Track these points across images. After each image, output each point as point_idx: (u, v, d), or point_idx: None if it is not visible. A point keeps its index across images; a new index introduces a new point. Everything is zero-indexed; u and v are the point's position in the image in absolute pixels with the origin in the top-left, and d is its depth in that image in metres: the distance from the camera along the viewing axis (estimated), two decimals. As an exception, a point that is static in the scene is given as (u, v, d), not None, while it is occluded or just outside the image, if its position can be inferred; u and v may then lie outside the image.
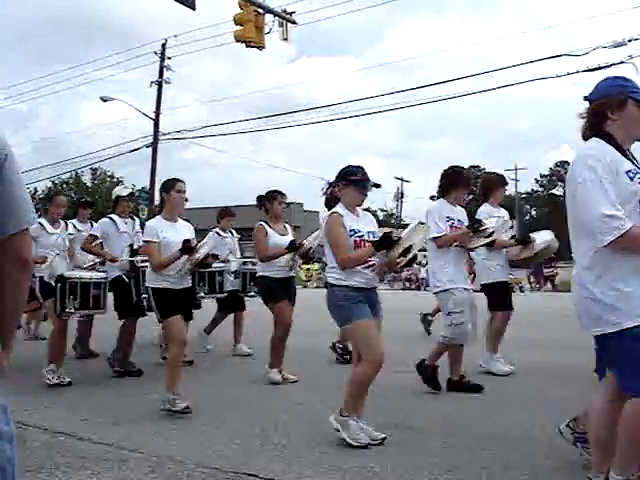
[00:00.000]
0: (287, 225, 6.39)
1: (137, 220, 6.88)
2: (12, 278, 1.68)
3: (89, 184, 47.11)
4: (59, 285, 5.66)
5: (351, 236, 4.10)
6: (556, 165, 66.62)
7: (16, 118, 70.47)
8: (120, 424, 4.46)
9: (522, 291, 26.16)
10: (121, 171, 58.01)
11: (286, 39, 12.87)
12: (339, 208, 4.20)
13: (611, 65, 14.87)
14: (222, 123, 26.16)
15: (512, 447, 3.88)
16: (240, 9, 11.75)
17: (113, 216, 6.63)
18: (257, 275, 6.30)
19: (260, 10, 12.02)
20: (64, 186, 44.06)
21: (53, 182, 42.07)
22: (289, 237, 6.18)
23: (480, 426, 4.34)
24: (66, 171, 37.42)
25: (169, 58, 25.15)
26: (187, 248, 4.92)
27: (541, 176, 63.71)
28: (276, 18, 12.56)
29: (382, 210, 60.46)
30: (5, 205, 1.64)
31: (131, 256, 6.45)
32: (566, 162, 67.81)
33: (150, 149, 24.54)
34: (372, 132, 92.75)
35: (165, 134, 24.94)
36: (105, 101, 24.31)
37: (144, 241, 5.16)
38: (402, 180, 54.90)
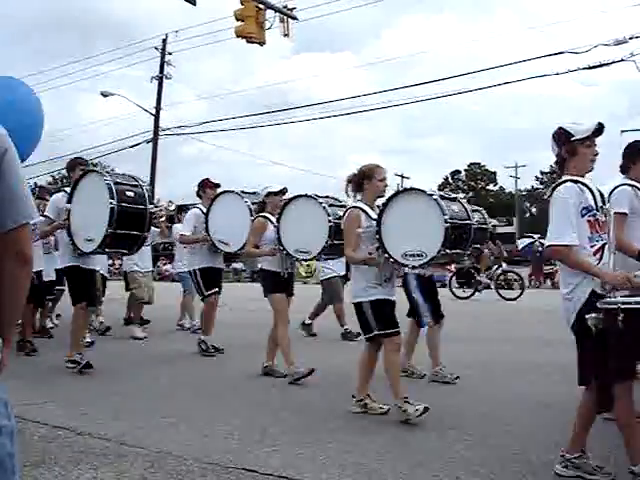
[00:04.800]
0: None
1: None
2: (12, 274, 1.67)
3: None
4: None
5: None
6: (556, 163, 66.40)
7: (16, 113, 70.18)
8: (120, 419, 4.46)
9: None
10: (121, 166, 57.80)
11: (287, 35, 12.86)
12: None
13: (612, 63, 14.87)
14: (222, 119, 26.07)
15: (511, 445, 3.88)
16: (241, 5, 11.74)
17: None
18: None
19: (261, 6, 12.01)
20: (64, 181, 44.04)
21: (53, 177, 42.07)
22: None
23: (479, 424, 4.34)
24: (66, 166, 37.32)
25: (170, 54, 25.16)
26: None
27: (541, 173, 63.54)
28: (277, 14, 12.54)
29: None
30: (4, 200, 1.63)
31: None
32: (566, 160, 67.55)
33: (150, 144, 24.54)
34: (371, 128, 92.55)
35: (165, 129, 24.95)
36: (105, 96, 24.30)
37: None
38: (402, 177, 54.84)
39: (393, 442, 3.95)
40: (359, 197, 4.61)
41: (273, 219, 5.80)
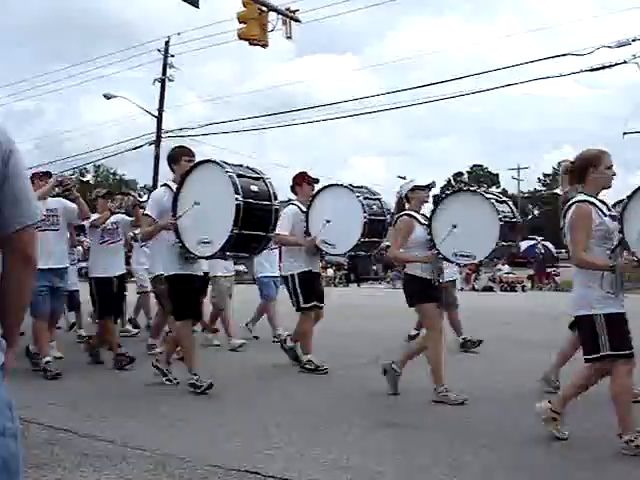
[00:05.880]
0: None
1: None
2: (16, 275, 1.68)
3: (92, 181, 47.26)
4: None
5: None
6: (558, 164, 66.46)
7: (20, 115, 70.64)
8: (123, 421, 4.47)
9: (524, 290, 26.18)
10: (124, 168, 57.99)
11: (290, 37, 12.85)
12: None
13: (615, 65, 14.85)
14: (224, 121, 26.22)
15: (513, 446, 3.88)
16: (244, 7, 11.73)
17: None
18: None
19: (264, 8, 12.00)
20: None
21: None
22: None
23: (481, 426, 4.34)
24: (69, 168, 37.43)
25: (172, 56, 25.17)
26: None
27: (544, 175, 63.54)
28: (279, 16, 12.54)
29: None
30: (10, 201, 1.64)
31: None
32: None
33: (153, 146, 24.56)
34: (373, 130, 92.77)
35: (168, 132, 24.98)
36: (108, 98, 24.33)
37: None
38: (404, 179, 54.87)
39: (396, 445, 3.95)
40: (580, 189, 3.91)
41: (420, 218, 5.10)
